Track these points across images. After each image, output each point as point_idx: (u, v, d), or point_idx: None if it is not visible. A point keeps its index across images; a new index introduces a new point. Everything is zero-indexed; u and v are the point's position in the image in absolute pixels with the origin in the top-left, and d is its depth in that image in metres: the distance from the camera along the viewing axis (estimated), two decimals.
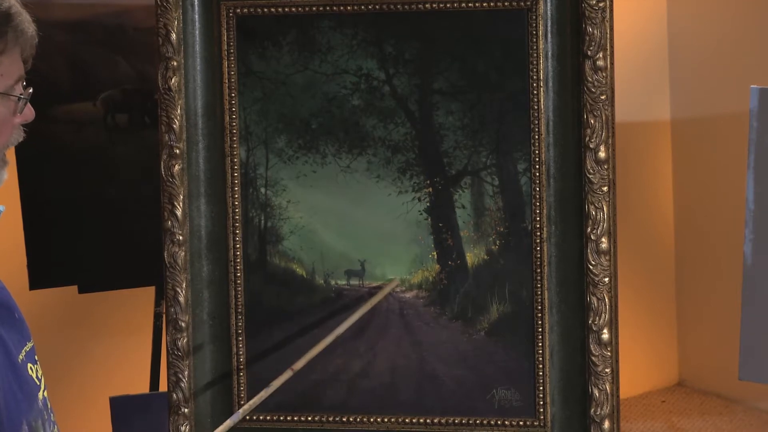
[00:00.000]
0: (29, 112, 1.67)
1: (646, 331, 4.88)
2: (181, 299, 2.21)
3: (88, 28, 3.03)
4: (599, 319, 2.11)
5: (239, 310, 2.24)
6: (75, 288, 3.05)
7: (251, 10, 2.21)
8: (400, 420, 2.21)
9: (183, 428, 2.22)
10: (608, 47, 2.08)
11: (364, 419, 2.22)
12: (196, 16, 2.21)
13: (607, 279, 2.11)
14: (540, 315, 2.16)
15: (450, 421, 2.20)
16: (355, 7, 2.18)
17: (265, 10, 2.21)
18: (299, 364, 2.06)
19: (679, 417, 4.64)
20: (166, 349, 2.24)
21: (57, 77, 2.99)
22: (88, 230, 3.02)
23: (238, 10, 2.21)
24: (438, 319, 2.21)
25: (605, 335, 2.11)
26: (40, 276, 2.99)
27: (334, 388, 2.23)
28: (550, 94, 2.14)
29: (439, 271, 2.21)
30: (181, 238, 2.21)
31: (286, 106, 2.23)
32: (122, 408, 2.80)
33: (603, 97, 2.08)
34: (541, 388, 2.17)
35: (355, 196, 2.22)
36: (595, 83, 2.09)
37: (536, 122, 2.14)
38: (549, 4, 2.12)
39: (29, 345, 1.74)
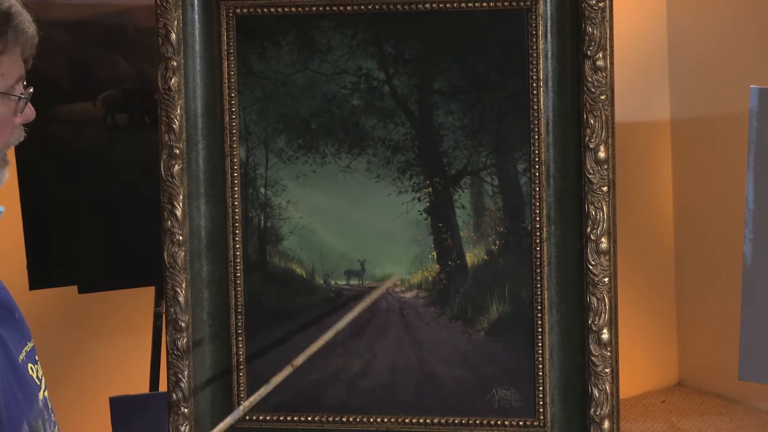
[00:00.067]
0: (30, 112, 1.67)
1: (646, 331, 4.88)
2: (181, 299, 2.22)
3: (88, 28, 3.04)
4: (599, 319, 2.11)
5: (239, 310, 2.24)
6: (75, 288, 3.05)
7: (251, 10, 2.21)
8: (400, 420, 2.21)
9: (183, 428, 2.22)
10: (608, 47, 2.08)
11: (364, 419, 2.22)
12: (196, 16, 2.21)
13: (606, 279, 2.11)
14: (540, 315, 2.16)
15: (450, 421, 2.20)
16: (355, 7, 2.18)
17: (265, 10, 2.21)
18: (299, 360, 2.06)
19: (679, 417, 4.64)
20: (165, 349, 2.24)
21: (57, 77, 2.99)
22: (88, 230, 3.02)
23: (238, 10, 2.21)
24: (438, 319, 2.21)
25: (605, 335, 2.11)
26: (40, 276, 2.99)
27: (334, 388, 2.23)
28: (549, 94, 2.14)
29: (439, 271, 2.21)
30: (180, 238, 2.21)
31: (286, 106, 2.23)
32: (122, 408, 2.80)
33: (603, 97, 2.09)
34: (541, 388, 2.17)
35: (354, 196, 2.22)
36: (595, 83, 2.09)
37: (536, 122, 2.14)
38: (549, 4, 2.12)
39: (30, 345, 1.74)
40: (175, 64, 2.19)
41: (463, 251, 2.20)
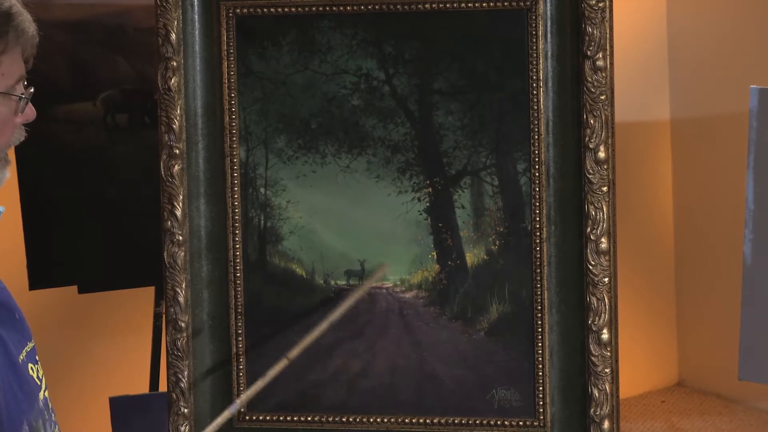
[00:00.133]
0: (30, 112, 1.67)
1: (646, 331, 4.88)
2: (181, 299, 2.22)
3: (88, 28, 3.04)
4: (599, 319, 2.11)
5: (239, 310, 2.24)
6: (75, 288, 3.05)
7: (251, 10, 2.21)
8: (400, 420, 2.21)
9: (182, 428, 2.23)
10: (608, 47, 2.08)
11: (364, 419, 2.22)
12: (196, 16, 2.21)
13: (606, 279, 2.11)
14: (540, 315, 2.16)
15: (450, 421, 2.20)
16: (355, 7, 2.18)
17: (265, 10, 2.21)
18: (294, 353, 2.05)
19: (679, 417, 4.65)
20: (165, 349, 2.24)
21: (57, 77, 2.99)
22: (88, 230, 3.02)
23: (238, 10, 2.21)
24: (438, 319, 2.21)
25: (605, 335, 2.12)
26: (40, 276, 2.99)
27: (334, 388, 2.23)
28: (549, 95, 2.14)
29: (439, 271, 2.21)
30: (180, 238, 2.21)
31: (286, 106, 2.23)
32: (122, 408, 2.80)
33: (603, 97, 2.09)
34: (541, 388, 2.17)
35: (354, 196, 2.22)
36: (595, 83, 2.09)
37: (536, 122, 2.14)
38: (549, 4, 2.12)
39: (30, 345, 1.74)
40: (175, 64, 2.19)
41: (462, 251, 2.20)
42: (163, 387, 2.69)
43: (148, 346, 3.10)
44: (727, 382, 4.56)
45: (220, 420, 1.99)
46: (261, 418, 2.25)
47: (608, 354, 2.12)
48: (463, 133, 2.18)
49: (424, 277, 2.21)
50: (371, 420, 2.22)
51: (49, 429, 1.73)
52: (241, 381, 2.24)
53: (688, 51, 4.78)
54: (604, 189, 2.10)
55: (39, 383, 1.73)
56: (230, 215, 2.24)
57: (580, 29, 2.09)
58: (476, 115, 2.18)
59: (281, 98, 2.23)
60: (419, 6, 2.16)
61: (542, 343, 2.16)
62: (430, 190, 2.20)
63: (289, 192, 2.23)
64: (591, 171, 2.10)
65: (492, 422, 2.19)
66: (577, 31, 2.10)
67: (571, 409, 2.17)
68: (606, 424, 2.12)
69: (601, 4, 2.07)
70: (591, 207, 2.11)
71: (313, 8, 2.19)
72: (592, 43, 2.08)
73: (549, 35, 2.13)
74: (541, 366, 2.16)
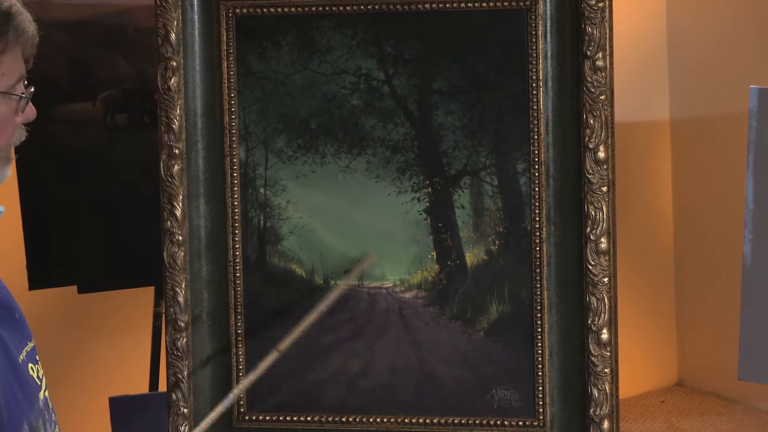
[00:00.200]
0: (31, 111, 1.67)
1: (646, 331, 4.88)
2: (181, 299, 2.22)
3: (88, 28, 3.04)
4: (599, 319, 2.11)
5: (239, 310, 2.24)
6: (75, 288, 3.05)
7: (251, 10, 2.21)
8: (399, 420, 2.21)
9: (182, 428, 2.23)
10: (607, 47, 2.08)
11: (364, 419, 2.22)
12: (196, 17, 2.21)
13: (606, 279, 2.11)
14: (539, 315, 2.16)
15: (449, 421, 2.20)
16: (355, 7, 2.18)
17: (265, 10, 2.21)
18: (284, 344, 2.04)
19: (679, 417, 4.65)
20: (165, 349, 2.24)
21: (57, 77, 2.99)
22: (88, 230, 3.02)
23: (238, 10, 2.21)
24: (437, 319, 2.21)
25: (605, 335, 2.12)
26: (40, 276, 2.99)
27: (334, 388, 2.23)
28: (549, 95, 2.14)
29: (439, 271, 2.21)
30: (180, 238, 2.21)
31: (286, 106, 2.23)
32: (122, 408, 2.80)
33: (602, 97, 2.09)
34: (541, 388, 2.17)
35: (354, 196, 2.22)
36: (595, 83, 2.09)
37: (535, 122, 2.14)
38: (548, 4, 2.12)
39: (30, 345, 1.74)
40: (174, 64, 2.19)
41: (462, 251, 2.20)
42: (162, 387, 2.69)
43: (148, 346, 3.10)
44: (726, 382, 4.56)
45: (214, 415, 1.98)
46: (261, 418, 2.25)
47: (608, 354, 2.12)
48: (462, 133, 2.18)
49: (424, 277, 2.21)
50: (371, 420, 2.22)
51: (49, 429, 1.73)
52: (241, 381, 2.24)
53: (688, 51, 4.78)
54: (604, 189, 2.10)
55: (39, 383, 1.73)
56: (230, 215, 2.24)
57: (580, 29, 2.09)
58: (476, 115, 2.18)
59: (281, 98, 2.23)
60: (419, 6, 2.16)
61: (542, 343, 2.16)
62: (430, 190, 2.20)
63: (288, 192, 2.23)
64: (591, 171, 2.10)
65: (492, 422, 2.19)
66: (576, 31, 2.10)
67: (570, 409, 2.17)
68: (605, 424, 2.12)
69: (600, 4, 2.07)
70: (591, 207, 2.11)
71: (313, 8, 2.19)
72: (592, 43, 2.08)
73: (549, 35, 2.13)
74: (540, 366, 2.16)
